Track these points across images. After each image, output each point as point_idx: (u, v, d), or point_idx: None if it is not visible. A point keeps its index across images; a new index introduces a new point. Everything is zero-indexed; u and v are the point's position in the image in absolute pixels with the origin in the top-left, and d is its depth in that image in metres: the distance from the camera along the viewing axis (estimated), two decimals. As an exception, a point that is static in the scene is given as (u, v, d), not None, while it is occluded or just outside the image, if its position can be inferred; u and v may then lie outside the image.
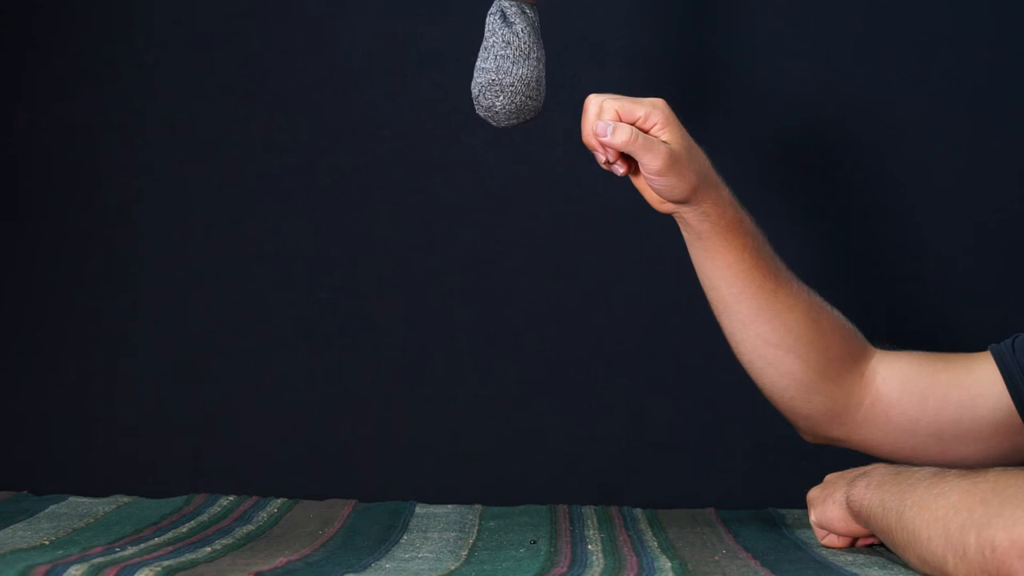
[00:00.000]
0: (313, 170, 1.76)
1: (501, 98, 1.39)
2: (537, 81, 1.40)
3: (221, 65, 1.76)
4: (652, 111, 1.37)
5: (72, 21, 1.76)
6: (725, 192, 1.40)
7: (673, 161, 1.36)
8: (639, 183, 1.40)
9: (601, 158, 1.38)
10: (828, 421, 1.45)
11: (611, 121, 1.36)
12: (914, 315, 1.75)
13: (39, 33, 1.76)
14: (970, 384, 1.41)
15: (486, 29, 1.40)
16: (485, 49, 1.40)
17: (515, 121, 1.41)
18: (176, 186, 1.77)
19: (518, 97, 1.39)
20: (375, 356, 1.75)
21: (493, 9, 1.41)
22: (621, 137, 1.35)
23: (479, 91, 1.40)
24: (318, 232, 1.75)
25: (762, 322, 1.42)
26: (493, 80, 1.39)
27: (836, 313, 1.44)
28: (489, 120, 1.42)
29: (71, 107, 1.76)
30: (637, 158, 1.36)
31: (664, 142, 1.36)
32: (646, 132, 1.36)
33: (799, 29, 1.74)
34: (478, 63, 1.41)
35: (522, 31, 1.39)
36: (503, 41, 1.39)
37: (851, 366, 1.44)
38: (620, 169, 1.39)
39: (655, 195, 1.39)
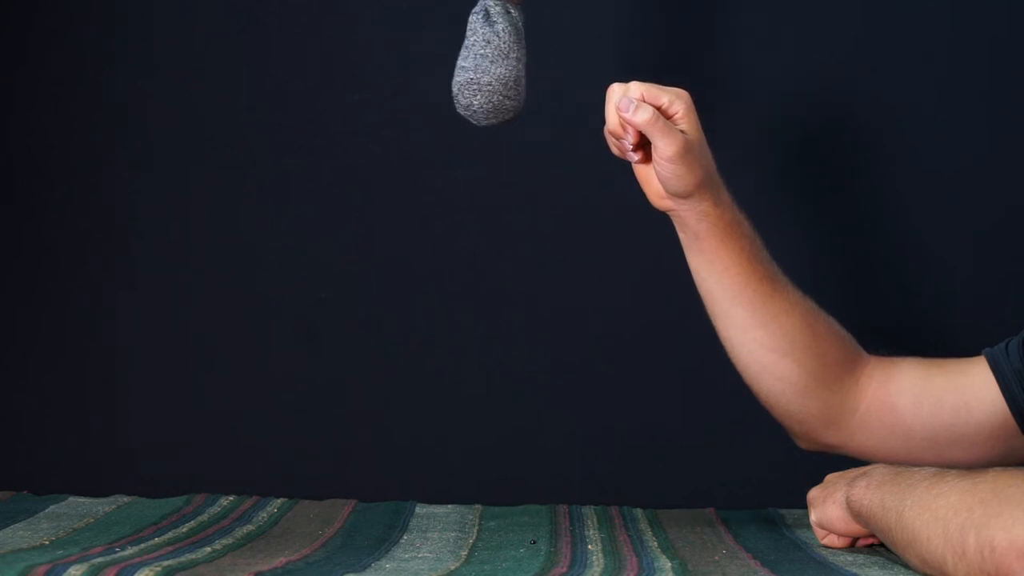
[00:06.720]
0: (313, 170, 1.76)
1: (479, 97, 1.39)
2: (516, 81, 1.40)
3: (221, 65, 1.76)
4: (676, 100, 1.37)
5: (72, 21, 1.76)
6: (725, 195, 1.40)
7: (687, 150, 1.36)
8: (644, 173, 1.40)
9: (621, 144, 1.38)
10: (823, 427, 1.45)
11: (636, 100, 1.36)
12: (913, 318, 1.75)
13: (39, 33, 1.76)
14: (964, 388, 1.41)
15: (468, 28, 1.41)
16: (466, 48, 1.41)
17: (494, 120, 1.41)
18: (176, 186, 1.77)
19: (496, 96, 1.39)
20: (375, 356, 1.75)
21: (477, 8, 1.42)
22: (643, 116, 1.35)
23: (458, 89, 1.41)
24: (318, 232, 1.75)
25: (758, 326, 1.42)
26: (471, 79, 1.39)
27: (831, 319, 1.44)
28: (469, 119, 1.42)
29: (71, 107, 1.76)
30: (653, 141, 1.36)
31: (682, 131, 1.36)
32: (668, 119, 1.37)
33: (799, 29, 1.74)
34: (459, 61, 1.41)
35: (503, 31, 1.39)
36: (483, 40, 1.39)
37: (846, 372, 1.44)
38: (635, 156, 1.39)
39: (658, 187, 1.39)
